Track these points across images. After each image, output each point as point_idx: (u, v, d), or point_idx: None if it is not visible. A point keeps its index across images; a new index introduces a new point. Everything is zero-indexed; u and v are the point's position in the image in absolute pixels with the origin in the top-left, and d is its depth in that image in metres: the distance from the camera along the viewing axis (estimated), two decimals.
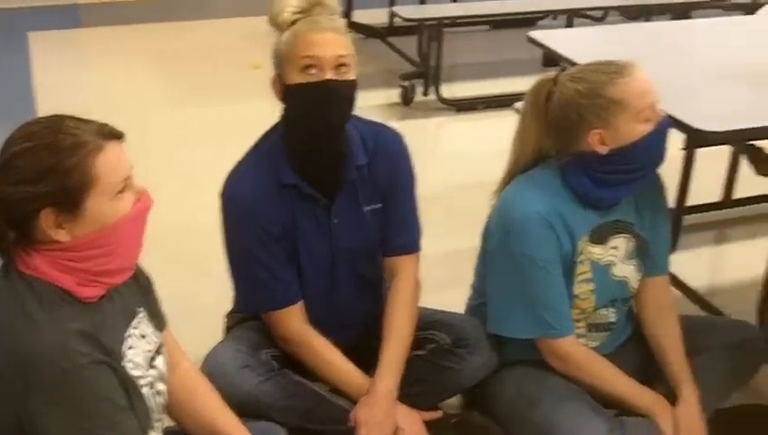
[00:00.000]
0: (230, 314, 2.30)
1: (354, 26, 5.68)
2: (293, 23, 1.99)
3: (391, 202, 2.18)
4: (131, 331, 1.63)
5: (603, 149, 2.03)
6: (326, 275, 2.16)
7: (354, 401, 2.08)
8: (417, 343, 2.17)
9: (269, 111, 2.13)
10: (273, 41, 2.02)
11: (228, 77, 5.21)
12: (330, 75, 1.96)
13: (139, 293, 1.71)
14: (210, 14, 6.44)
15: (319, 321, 2.14)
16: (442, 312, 2.27)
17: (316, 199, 2.08)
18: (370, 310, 2.22)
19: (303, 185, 2.06)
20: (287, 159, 2.06)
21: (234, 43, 5.77)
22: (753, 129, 2.29)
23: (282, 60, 2.00)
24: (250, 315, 2.21)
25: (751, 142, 2.52)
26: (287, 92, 2.01)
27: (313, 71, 1.96)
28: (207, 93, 5.00)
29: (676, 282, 3.01)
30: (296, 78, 1.97)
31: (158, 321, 1.76)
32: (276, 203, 2.05)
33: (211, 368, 2.03)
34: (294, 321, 2.12)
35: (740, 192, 3.64)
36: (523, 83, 2.15)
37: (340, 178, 2.09)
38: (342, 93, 2.00)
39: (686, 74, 2.61)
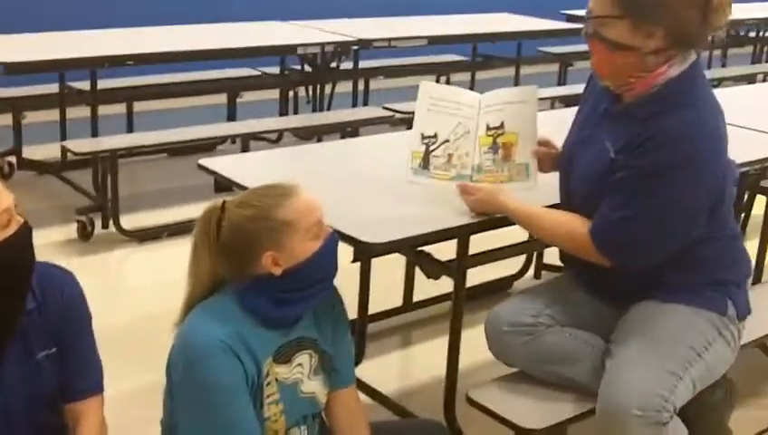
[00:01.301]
0: None
1: (25, 163, 5.49)
2: None
3: (67, 345, 2.08)
4: None
5: (278, 270, 2.07)
6: (3, 432, 2.01)
7: None
8: None
9: None
10: None
11: None
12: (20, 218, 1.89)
13: None
14: None
15: None
16: None
17: None
18: None
19: None
20: None
21: None
22: (412, 237, 2.41)
23: None
24: None
25: (420, 248, 2.65)
26: None
27: (8, 222, 1.87)
28: None
29: (366, 389, 3.09)
30: None
31: None
32: None
33: None
34: None
35: (419, 295, 3.82)
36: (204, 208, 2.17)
37: (10, 328, 1.98)
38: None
39: (353, 189, 2.73)
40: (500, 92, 2.58)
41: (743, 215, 4.24)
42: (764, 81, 7.76)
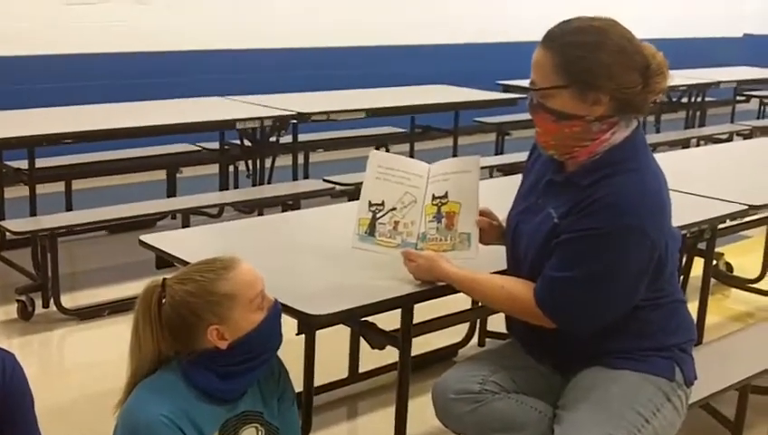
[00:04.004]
0: None
1: None
2: None
3: (9, 427, 2.04)
4: None
5: (224, 344, 2.07)
6: None
7: None
8: None
9: None
10: None
11: None
12: None
13: None
14: None
15: None
16: None
17: None
18: None
19: None
20: None
21: None
22: (356, 308, 2.41)
23: None
24: None
25: (364, 319, 2.65)
26: None
27: None
28: None
29: None
30: None
31: None
32: None
33: None
34: None
35: (365, 365, 3.80)
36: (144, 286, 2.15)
37: None
38: None
39: (295, 261, 2.73)
40: (446, 162, 2.61)
41: (681, 277, 4.30)
42: (698, 145, 7.94)
